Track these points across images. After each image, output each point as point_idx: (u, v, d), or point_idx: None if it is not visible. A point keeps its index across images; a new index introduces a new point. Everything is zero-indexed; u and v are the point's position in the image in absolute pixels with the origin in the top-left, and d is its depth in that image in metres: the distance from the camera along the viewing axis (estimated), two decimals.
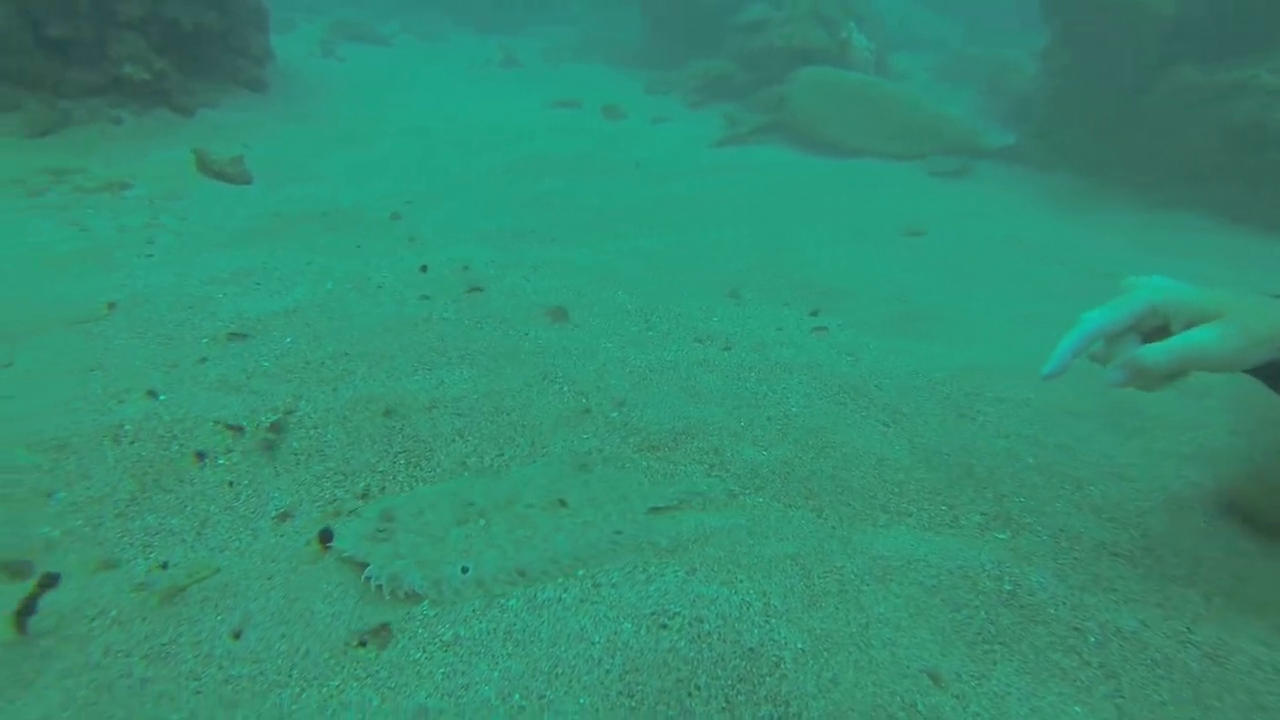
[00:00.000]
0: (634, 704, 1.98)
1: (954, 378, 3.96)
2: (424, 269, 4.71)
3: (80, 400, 3.19)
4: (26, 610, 2.19)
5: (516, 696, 1.94)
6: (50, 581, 2.27)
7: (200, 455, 2.92)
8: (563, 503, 2.66)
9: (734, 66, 13.61)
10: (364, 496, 2.79)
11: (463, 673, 2.02)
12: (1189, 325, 1.91)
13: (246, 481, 2.85)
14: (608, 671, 2.03)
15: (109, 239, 5.27)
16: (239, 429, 3.05)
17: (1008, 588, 2.47)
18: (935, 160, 9.47)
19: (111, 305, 4.04)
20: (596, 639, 2.11)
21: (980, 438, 3.33)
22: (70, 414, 3.09)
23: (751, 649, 2.16)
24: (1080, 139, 9.46)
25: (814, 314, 4.83)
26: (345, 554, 2.44)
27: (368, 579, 2.34)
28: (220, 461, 2.93)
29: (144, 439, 2.99)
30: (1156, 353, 1.89)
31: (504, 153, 8.62)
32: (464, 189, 6.87)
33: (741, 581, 2.41)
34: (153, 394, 3.26)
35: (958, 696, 2.09)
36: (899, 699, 2.04)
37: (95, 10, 7.76)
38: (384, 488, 2.83)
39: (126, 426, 3.04)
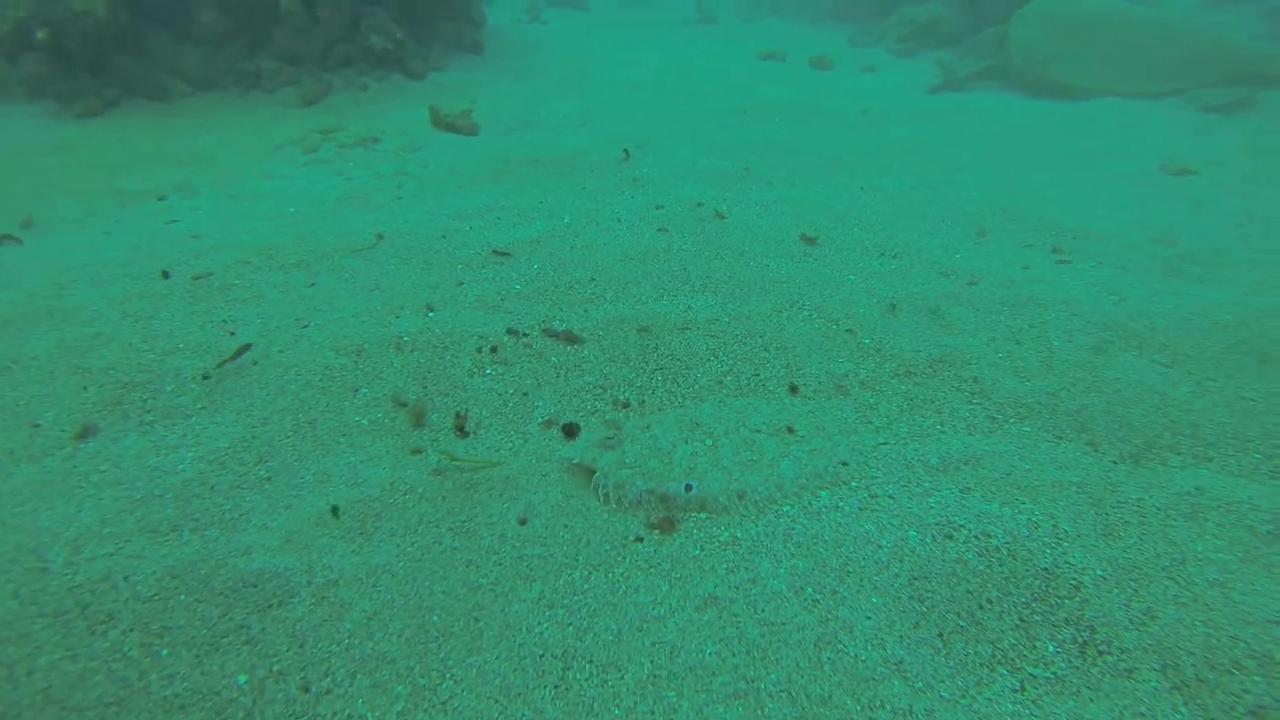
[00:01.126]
0: (924, 609, 1.91)
1: (1247, 322, 3.48)
2: (659, 206, 4.79)
3: (366, 314, 3.55)
4: None
5: (809, 591, 1.94)
6: None
7: (470, 369, 3.15)
8: (790, 429, 2.60)
9: (946, 10, 12.65)
10: (625, 407, 2.89)
11: (746, 568, 2.05)
12: None
13: (512, 391, 3.04)
14: (896, 575, 1.98)
15: (367, 184, 5.81)
16: (498, 345, 3.26)
17: None
18: (1205, 94, 8.27)
19: (380, 236, 4.45)
20: (883, 543, 2.06)
21: None
22: (360, 325, 3.44)
23: (1046, 569, 2.02)
24: None
25: (1060, 254, 4.42)
26: (574, 461, 2.54)
27: (595, 486, 2.42)
28: (488, 372, 3.14)
29: (420, 348, 3.27)
30: None
31: (716, 101, 8.58)
32: (683, 135, 6.92)
33: (1024, 503, 2.26)
34: (429, 307, 3.56)
35: None
36: (1244, 647, 1.82)
37: None
38: (643, 401, 2.92)
39: (405, 338, 3.34)
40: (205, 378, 3.16)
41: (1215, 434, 2.70)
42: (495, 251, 4.09)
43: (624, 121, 7.71)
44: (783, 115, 7.99)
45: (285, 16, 8.51)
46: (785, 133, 7.21)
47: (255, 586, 2.07)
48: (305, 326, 3.46)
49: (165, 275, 4.10)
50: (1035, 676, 1.80)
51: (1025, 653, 1.85)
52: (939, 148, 6.89)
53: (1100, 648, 1.84)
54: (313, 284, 3.90)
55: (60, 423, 2.97)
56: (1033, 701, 1.74)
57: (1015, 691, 1.76)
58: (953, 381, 2.94)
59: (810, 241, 4.28)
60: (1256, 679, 1.73)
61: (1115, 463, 2.55)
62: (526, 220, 4.71)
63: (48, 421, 2.99)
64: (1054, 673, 1.81)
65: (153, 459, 2.77)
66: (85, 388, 3.17)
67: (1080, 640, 1.87)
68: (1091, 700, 1.73)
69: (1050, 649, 1.86)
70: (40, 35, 7.48)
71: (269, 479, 2.64)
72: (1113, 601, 1.94)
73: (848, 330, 3.25)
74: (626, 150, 6.25)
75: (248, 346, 3.28)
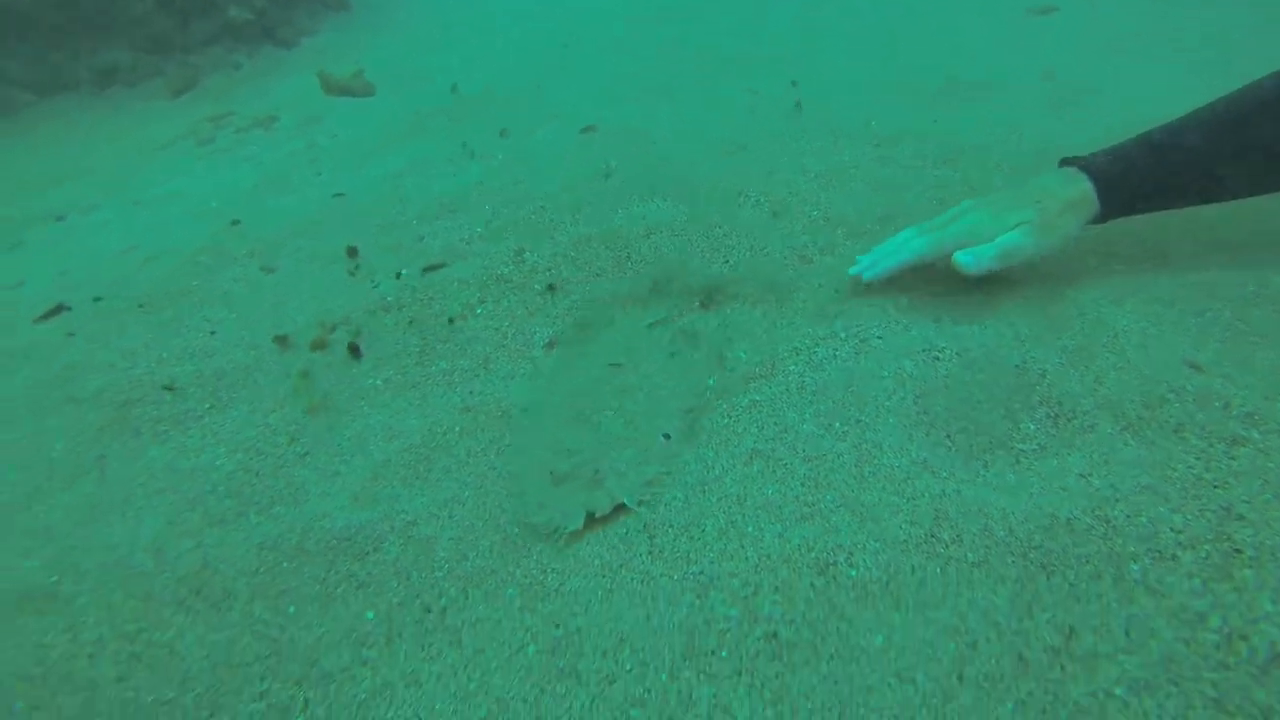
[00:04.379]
0: (931, 420, 2.26)
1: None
2: (588, 129, 4.90)
3: (342, 285, 3.64)
4: None
5: (837, 424, 2.26)
6: None
7: (453, 318, 3.30)
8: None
9: None
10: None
11: (775, 422, 2.35)
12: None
13: (507, 324, 3.23)
14: (903, 398, 2.32)
15: (282, 165, 5.71)
16: (483, 283, 3.42)
17: (1251, 289, 2.58)
18: None
19: (339, 195, 4.46)
20: (885, 375, 2.39)
21: None
22: (340, 296, 3.54)
23: (1017, 366, 2.39)
24: None
25: (957, 99, 4.77)
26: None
27: None
28: (478, 312, 3.31)
29: (408, 305, 3.41)
30: (979, 256, 2.58)
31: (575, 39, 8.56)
32: (576, 69, 6.94)
33: (987, 320, 2.62)
34: (397, 274, 3.67)
35: (1224, 377, 2.26)
36: (1164, 385, 2.24)
37: None
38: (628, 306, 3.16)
39: (388, 298, 3.46)
40: (218, 378, 3.24)
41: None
42: (441, 203, 4.18)
43: (519, 61, 7.64)
44: (665, 39, 8.03)
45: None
46: (677, 39, 7.29)
47: (347, 540, 2.28)
48: (282, 312, 3.54)
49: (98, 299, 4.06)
50: (1024, 450, 2.17)
51: (1013, 433, 2.22)
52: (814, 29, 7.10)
53: (1067, 416, 2.23)
54: (273, 270, 3.94)
55: (76, 451, 3.03)
56: (1026, 468, 2.11)
57: (1013, 464, 2.13)
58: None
59: (739, 146, 4.49)
60: (1175, 406, 2.16)
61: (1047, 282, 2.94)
62: (459, 167, 4.78)
63: (60, 453, 3.05)
64: (1037, 444, 2.19)
65: (185, 462, 2.88)
66: (83, 415, 3.22)
67: (1052, 414, 2.25)
68: (1068, 455, 2.12)
69: (1031, 427, 2.23)
70: None
71: (307, 454, 2.79)
72: (1070, 379, 2.33)
73: (796, 206, 3.53)
74: (530, 87, 6.26)
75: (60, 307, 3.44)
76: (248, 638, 2.01)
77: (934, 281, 2.85)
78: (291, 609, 2.09)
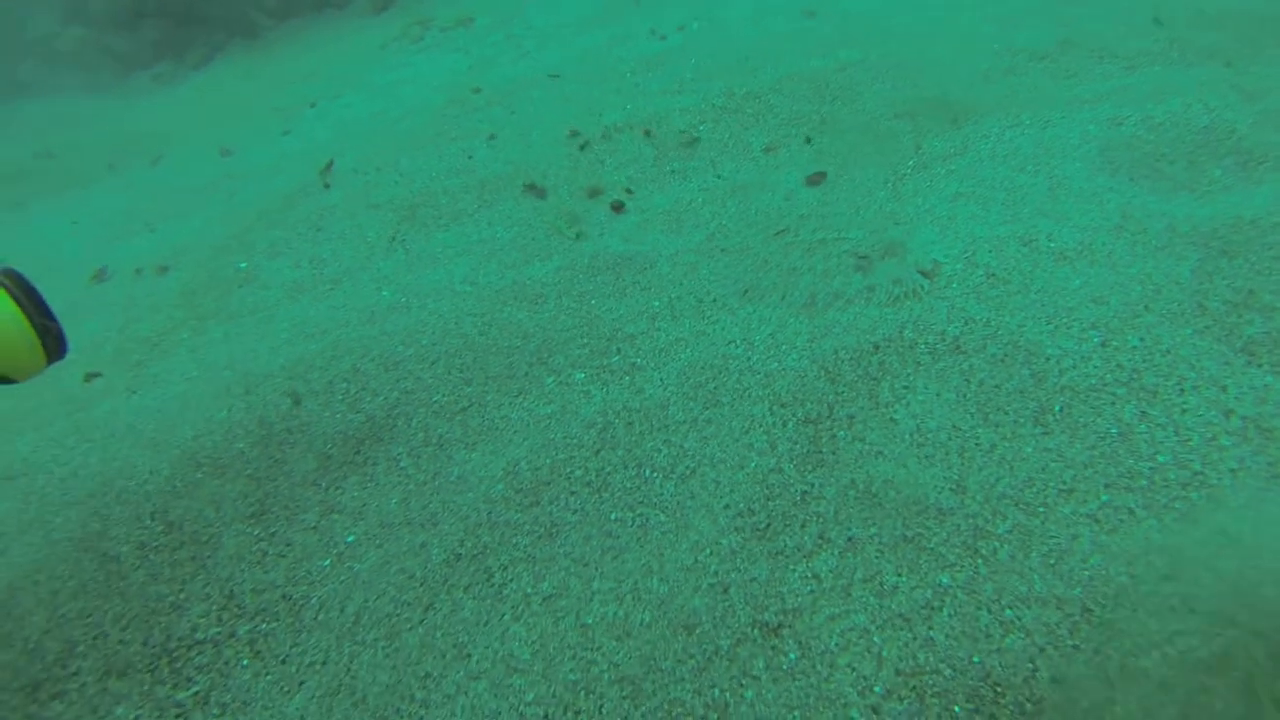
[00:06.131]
0: (1114, 165, 2.66)
1: None
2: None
3: (578, 117, 4.30)
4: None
5: (1029, 167, 2.71)
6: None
7: (683, 129, 3.89)
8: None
9: None
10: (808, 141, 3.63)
11: (973, 175, 2.82)
12: None
13: (728, 136, 3.78)
14: (1088, 150, 2.73)
15: (490, 53, 6.46)
16: (700, 110, 3.98)
17: None
18: None
19: (555, 76, 5.15)
20: (1070, 136, 2.83)
21: None
22: (579, 122, 4.20)
23: (1205, 127, 2.72)
24: None
25: None
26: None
27: None
28: (700, 129, 3.88)
29: (634, 126, 4.01)
30: None
31: None
32: None
33: (1174, 98, 2.94)
34: (621, 102, 4.30)
35: None
36: None
37: None
38: (824, 122, 3.65)
39: (618, 123, 4.08)
40: (481, 185, 3.99)
41: None
42: (648, 61, 4.76)
43: None
44: None
45: None
46: None
47: (628, 260, 2.93)
48: (528, 138, 4.25)
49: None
50: (1209, 190, 2.53)
51: (1198, 178, 2.58)
52: None
53: (1259, 160, 2.56)
54: (513, 112, 4.67)
55: (383, 237, 3.84)
56: (1213, 199, 2.47)
57: (1197, 198, 2.49)
58: (1083, 54, 3.57)
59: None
60: None
61: (1228, 66, 3.18)
62: (666, 32, 5.34)
63: (372, 239, 3.87)
64: (1222, 185, 2.54)
65: (473, 236, 3.61)
66: (382, 216, 4.03)
67: (1241, 161, 2.59)
68: (1257, 190, 2.46)
69: (1216, 173, 2.58)
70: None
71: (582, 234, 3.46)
72: (1267, 132, 2.64)
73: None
74: None
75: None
76: (564, 317, 2.70)
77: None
78: (593, 301, 2.77)
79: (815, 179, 3.20)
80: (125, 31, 8.59)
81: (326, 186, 4.42)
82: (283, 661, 1.79)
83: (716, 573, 1.66)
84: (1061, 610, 1.50)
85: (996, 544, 1.66)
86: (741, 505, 1.76)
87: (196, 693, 1.76)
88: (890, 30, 4.35)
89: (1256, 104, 2.79)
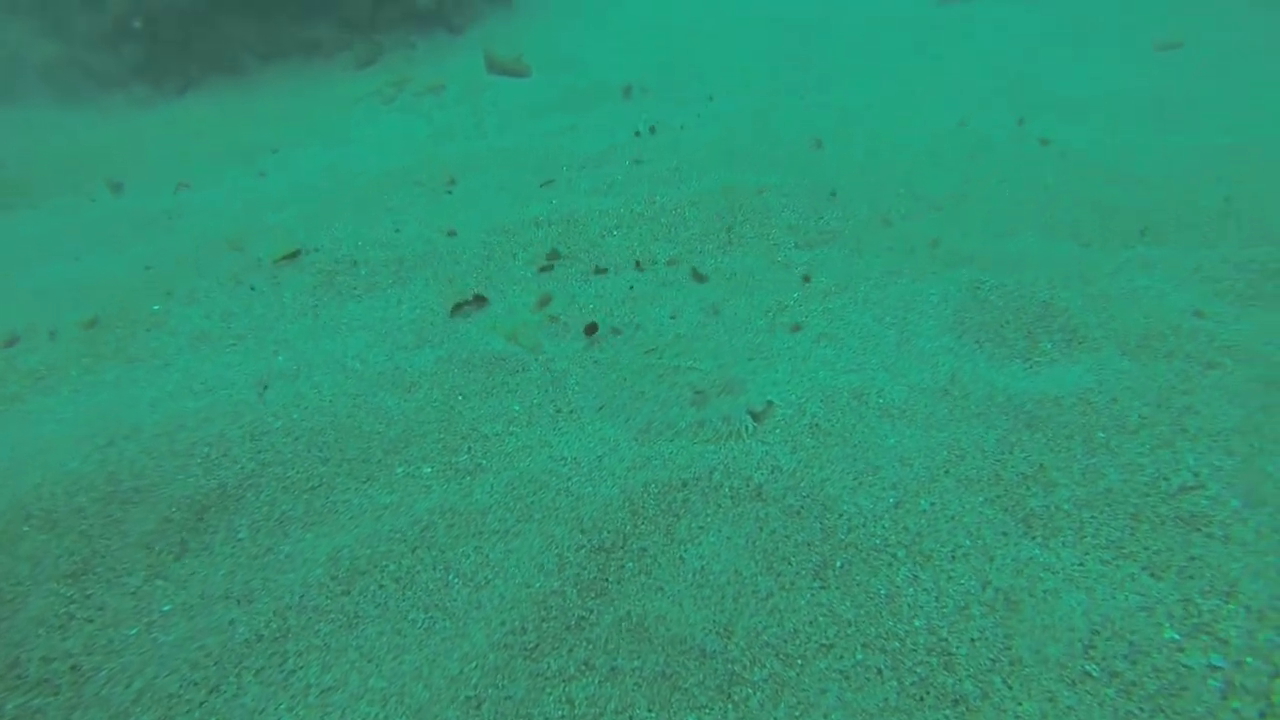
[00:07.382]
0: (964, 328, 2.86)
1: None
2: (721, 115, 5.68)
3: (505, 208, 4.49)
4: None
5: (888, 319, 2.90)
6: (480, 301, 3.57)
7: (600, 233, 4.08)
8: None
9: None
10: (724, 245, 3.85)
11: (841, 319, 3.01)
12: None
13: (636, 244, 3.97)
14: (944, 311, 2.93)
15: (450, 123, 6.72)
16: (619, 215, 4.19)
17: (1274, 266, 3.06)
18: None
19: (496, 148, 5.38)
20: (932, 295, 3.02)
21: None
22: (503, 213, 4.39)
23: (1044, 302, 2.96)
24: None
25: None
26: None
27: None
28: (614, 234, 4.08)
29: (555, 223, 4.20)
30: None
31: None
32: (723, 60, 7.74)
33: (1026, 271, 3.18)
34: (548, 201, 4.50)
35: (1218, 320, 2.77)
36: (1169, 321, 2.77)
37: None
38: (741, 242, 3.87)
39: (540, 217, 4.27)
40: (399, 262, 4.13)
41: (1164, 222, 3.60)
42: (588, 158, 5.01)
43: (663, 52, 8.49)
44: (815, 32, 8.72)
45: None
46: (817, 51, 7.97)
47: (502, 360, 3.06)
48: (452, 233, 4.42)
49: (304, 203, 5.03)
50: (1038, 360, 2.75)
51: (1032, 349, 2.80)
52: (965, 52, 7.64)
53: (1079, 339, 2.79)
54: (453, 184, 4.85)
55: (298, 300, 3.94)
56: (1037, 371, 2.69)
57: (1029, 370, 2.71)
58: (972, 211, 3.85)
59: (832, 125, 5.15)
60: (1170, 341, 2.69)
61: (1084, 246, 3.47)
62: (607, 132, 5.61)
63: (287, 300, 3.96)
64: (1050, 357, 2.75)
65: (376, 314, 3.74)
66: (300, 277, 4.14)
67: (1067, 338, 2.81)
68: (1074, 364, 2.68)
69: (1048, 345, 2.80)
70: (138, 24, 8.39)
71: (469, 316, 3.60)
72: (1088, 314, 2.88)
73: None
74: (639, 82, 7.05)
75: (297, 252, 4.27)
76: (429, 409, 2.80)
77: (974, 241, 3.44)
78: (459, 398, 2.88)
79: (706, 300, 3.40)
80: (106, 50, 8.75)
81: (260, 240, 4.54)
82: None
83: (476, 686, 1.74)
84: None
85: (749, 690, 1.75)
86: (516, 622, 1.85)
87: None
88: (812, 160, 4.64)
89: (1090, 286, 3.05)
